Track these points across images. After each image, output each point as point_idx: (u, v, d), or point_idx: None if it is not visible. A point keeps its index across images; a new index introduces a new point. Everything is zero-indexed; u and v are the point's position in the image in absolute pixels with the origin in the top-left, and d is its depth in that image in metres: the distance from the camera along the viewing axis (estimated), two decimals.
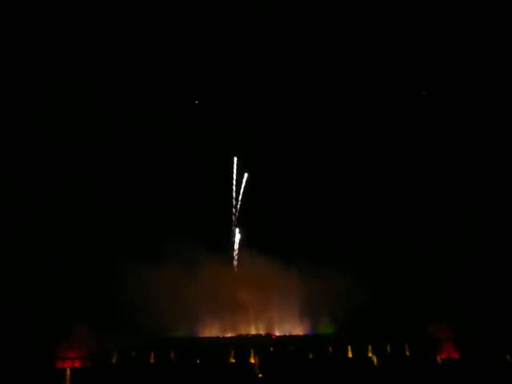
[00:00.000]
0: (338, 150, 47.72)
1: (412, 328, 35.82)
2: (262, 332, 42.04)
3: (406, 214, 45.46)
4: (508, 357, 30.30)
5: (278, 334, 42.16)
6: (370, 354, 33.11)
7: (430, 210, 44.97)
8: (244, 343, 36.41)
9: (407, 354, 34.13)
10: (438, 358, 32.82)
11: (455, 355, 33.76)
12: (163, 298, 40.10)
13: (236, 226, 49.26)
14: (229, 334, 41.66)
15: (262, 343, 36.68)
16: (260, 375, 28.99)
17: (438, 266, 40.69)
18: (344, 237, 44.68)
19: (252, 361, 31.76)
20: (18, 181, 40.35)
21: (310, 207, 46.81)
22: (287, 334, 41.89)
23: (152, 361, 32.84)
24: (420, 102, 46.77)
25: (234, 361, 32.55)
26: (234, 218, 49.50)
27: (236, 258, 46.67)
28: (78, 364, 31.76)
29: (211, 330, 41.56)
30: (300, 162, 47.86)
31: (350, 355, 33.73)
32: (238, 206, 49.94)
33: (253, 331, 42.13)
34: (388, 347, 34.31)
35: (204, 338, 40.66)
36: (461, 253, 40.93)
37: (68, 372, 28.04)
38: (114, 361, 33.79)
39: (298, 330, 42.30)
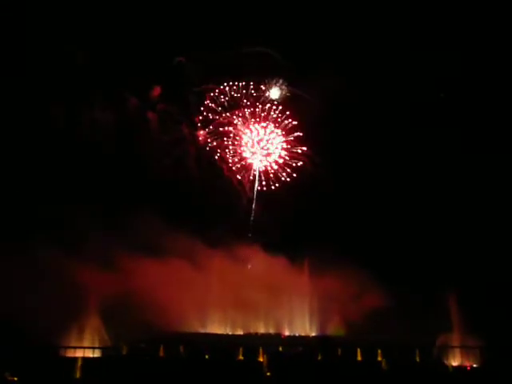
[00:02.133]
0: (348, 148, 47.46)
1: (424, 334, 35.26)
2: (272, 331, 42.01)
3: (423, 215, 44.90)
4: None
5: (287, 333, 42.06)
6: (379, 358, 32.75)
7: (448, 210, 44.34)
8: (253, 341, 36.38)
9: (417, 359, 33.67)
10: (450, 367, 32.41)
11: (467, 364, 33.16)
12: (174, 293, 40.36)
13: (251, 225, 49.26)
14: (238, 332, 41.75)
15: (271, 342, 36.58)
16: (268, 374, 29.05)
17: (453, 269, 40.03)
18: (358, 238, 44.36)
19: (260, 359, 31.79)
20: None
21: (323, 206, 46.55)
22: (296, 335, 41.75)
23: (161, 354, 33.16)
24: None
25: (242, 358, 32.63)
26: (250, 219, 49.61)
27: (248, 255, 46.52)
28: (88, 354, 32.29)
29: (221, 327, 41.71)
30: (313, 161, 47.82)
31: (359, 358, 33.41)
32: (253, 205, 50.08)
33: (262, 330, 42.11)
34: (398, 352, 33.86)
35: (213, 334, 40.80)
36: (479, 257, 40.36)
37: (79, 361, 28.58)
38: (124, 352, 34.28)
39: (307, 330, 42.14)
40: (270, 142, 49.87)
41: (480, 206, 43.66)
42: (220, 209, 47.00)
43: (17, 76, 42.20)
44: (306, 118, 49.10)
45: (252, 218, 49.25)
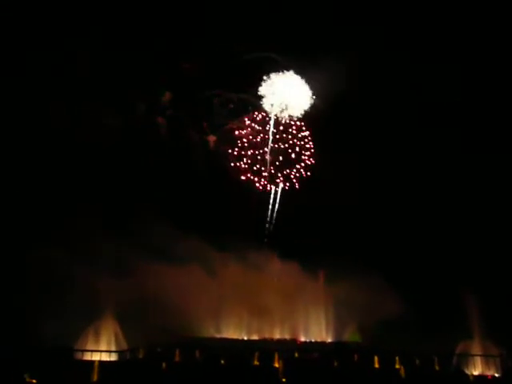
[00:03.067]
0: (362, 156, 47.29)
1: (443, 341, 34.55)
2: (287, 337, 41.80)
3: (440, 221, 44.34)
4: None
5: (302, 339, 41.78)
6: (397, 366, 32.18)
7: (467, 216, 43.66)
8: (268, 347, 36.23)
9: (436, 368, 32.98)
10: (470, 376, 31.64)
11: (488, 374, 32.33)
12: (189, 298, 40.50)
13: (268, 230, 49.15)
14: (253, 337, 41.65)
15: (287, 348, 36.35)
16: (283, 380, 28.79)
17: (473, 274, 39.29)
18: (374, 244, 43.98)
19: (276, 365, 31.57)
20: None
21: (339, 212, 46.28)
22: (312, 341, 41.46)
23: (177, 359, 33.22)
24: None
25: (257, 363, 32.47)
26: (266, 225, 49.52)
27: (262, 260, 46.43)
28: (105, 357, 32.53)
29: (236, 332, 41.68)
30: (329, 167, 47.58)
31: (377, 365, 32.88)
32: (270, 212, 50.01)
33: (277, 335, 41.93)
34: (417, 359, 33.22)
35: (229, 339, 40.78)
36: (500, 262, 39.55)
37: (96, 364, 28.78)
38: (140, 356, 34.46)
39: (323, 336, 41.82)
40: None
41: (499, 210, 42.90)
42: (233, 214, 47.12)
43: (23, 77, 43.07)
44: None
45: (268, 223, 49.16)
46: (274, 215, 49.25)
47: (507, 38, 42.88)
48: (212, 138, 49.17)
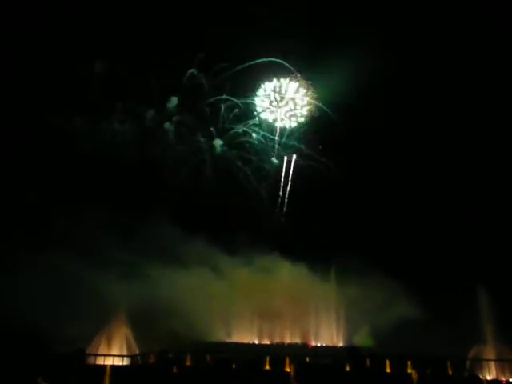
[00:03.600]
0: (374, 156, 47.07)
1: (456, 345, 34.13)
2: (298, 341, 41.61)
3: (453, 224, 43.99)
4: None
5: (313, 343, 41.56)
6: (409, 370, 31.83)
7: (480, 218, 43.26)
8: (280, 351, 36.11)
9: (449, 372, 32.54)
10: (484, 380, 31.17)
11: (503, 379, 31.81)
12: (199, 302, 40.59)
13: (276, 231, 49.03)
14: (265, 342, 41.53)
15: (298, 352, 36.19)
16: None
17: (487, 278, 38.80)
18: (385, 246, 43.70)
19: (287, 369, 31.43)
20: None
21: (354, 215, 46.21)
22: (323, 345, 41.20)
23: (188, 363, 33.24)
24: None
25: (269, 368, 32.35)
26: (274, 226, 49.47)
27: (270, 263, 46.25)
28: (117, 362, 32.72)
29: (247, 337, 41.60)
30: (340, 169, 47.57)
31: (388, 370, 32.57)
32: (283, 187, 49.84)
33: (288, 340, 41.77)
34: (429, 364, 32.80)
35: (240, 343, 40.71)
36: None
37: (108, 368, 28.95)
38: (151, 361, 34.56)
39: (334, 340, 41.55)
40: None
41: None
42: (239, 217, 47.24)
43: (35, 85, 43.96)
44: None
45: (277, 222, 48.99)
46: (287, 192, 49.30)
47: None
48: (218, 142, 49.64)
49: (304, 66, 49.27)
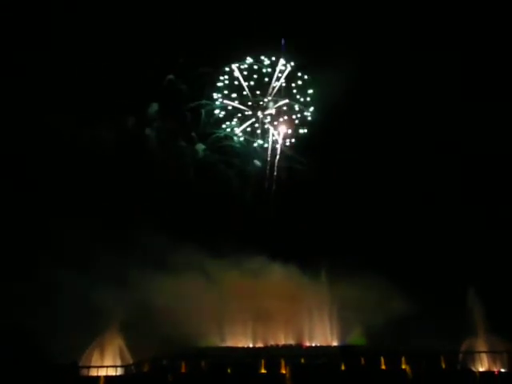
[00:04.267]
0: (362, 155, 47.46)
1: (448, 340, 34.54)
2: (293, 342, 41.60)
3: (442, 220, 44.43)
4: None
5: (308, 344, 41.62)
6: (403, 366, 32.13)
7: (469, 213, 43.81)
8: (274, 353, 36.04)
9: (443, 366, 32.94)
10: (477, 372, 31.64)
11: (495, 370, 32.34)
12: (191, 308, 40.34)
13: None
14: (259, 344, 41.43)
15: (293, 354, 36.18)
16: None
17: (477, 273, 39.34)
18: (376, 245, 43.98)
19: (283, 371, 31.44)
20: None
21: (343, 215, 46.38)
22: (318, 345, 41.27)
23: (183, 370, 33.02)
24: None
25: (265, 371, 32.29)
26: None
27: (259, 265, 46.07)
28: (111, 372, 32.34)
29: (241, 340, 41.45)
30: (330, 168, 47.73)
31: (383, 367, 32.82)
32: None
33: (283, 341, 41.73)
34: (423, 358, 33.15)
35: (234, 347, 40.56)
36: (502, 260, 39.63)
37: (102, 380, 28.63)
38: (145, 369, 34.24)
39: (329, 340, 41.63)
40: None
41: (501, 207, 43.04)
42: (225, 220, 47.14)
43: (21, 89, 43.53)
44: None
45: (264, 224, 48.73)
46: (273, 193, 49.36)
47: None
48: (201, 147, 49.68)
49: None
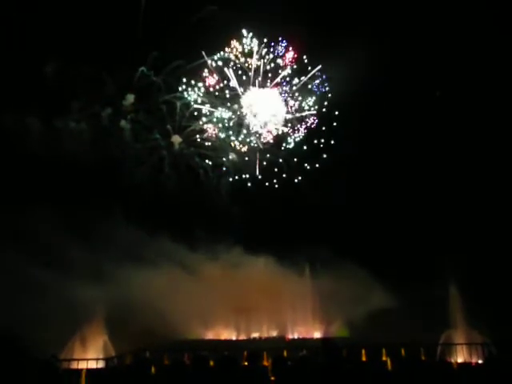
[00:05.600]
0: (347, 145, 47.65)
1: (428, 332, 35.26)
2: (275, 335, 41.94)
3: (421, 212, 45.03)
4: None
5: (290, 336, 42.00)
6: (384, 358, 32.70)
7: (448, 206, 44.46)
8: (257, 346, 36.33)
9: (422, 358, 33.63)
10: (454, 363, 32.37)
11: (472, 361, 33.15)
12: (171, 300, 40.29)
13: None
14: (241, 337, 41.66)
15: (275, 346, 36.50)
16: (272, 378, 28.89)
17: (455, 265, 40.02)
18: (359, 236, 44.40)
19: (265, 363, 31.67)
20: None
21: (323, 206, 46.63)
22: (300, 337, 41.68)
23: (166, 362, 33.02)
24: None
25: (246, 364, 32.50)
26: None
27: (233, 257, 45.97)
28: (92, 365, 32.14)
29: (224, 333, 41.62)
30: (314, 160, 47.82)
31: (364, 359, 33.34)
32: None
33: (265, 334, 42.04)
34: (402, 350, 33.83)
35: (217, 340, 40.72)
36: (481, 253, 40.37)
37: (84, 373, 28.42)
38: (128, 362, 34.13)
39: (311, 332, 42.09)
40: None
41: (481, 201, 43.80)
42: (200, 213, 46.94)
43: None
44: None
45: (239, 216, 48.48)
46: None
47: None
48: (177, 140, 49.28)
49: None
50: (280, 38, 49.19)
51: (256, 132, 49.67)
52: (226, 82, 49.34)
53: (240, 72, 49.44)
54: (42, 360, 30.36)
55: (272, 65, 49.57)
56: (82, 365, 31.52)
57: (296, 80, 49.92)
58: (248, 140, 49.81)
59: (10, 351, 30.46)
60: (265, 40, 49.12)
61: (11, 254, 37.15)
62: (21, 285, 36.55)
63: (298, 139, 49.95)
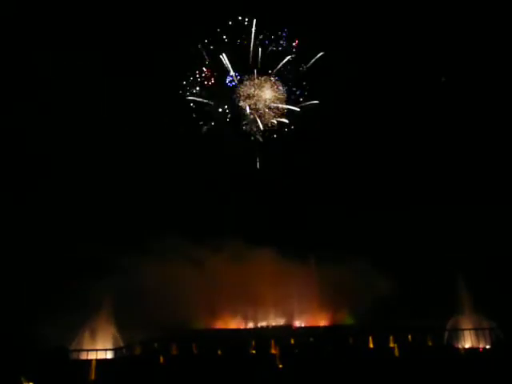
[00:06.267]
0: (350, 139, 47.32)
1: (435, 318, 35.28)
2: (282, 323, 42.17)
3: (424, 198, 44.72)
4: None
5: (297, 325, 42.22)
6: (391, 345, 32.79)
7: (452, 191, 44.16)
8: (264, 334, 36.56)
9: (429, 343, 33.71)
10: (462, 349, 32.44)
11: (479, 346, 33.18)
12: (183, 291, 40.52)
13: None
14: (249, 326, 41.93)
15: (283, 334, 36.71)
16: (280, 366, 29.12)
17: (461, 251, 39.90)
18: (364, 225, 44.29)
19: (273, 351, 31.91)
20: None
21: (328, 196, 46.48)
22: (307, 326, 41.88)
23: (174, 352, 33.33)
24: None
25: (254, 352, 32.75)
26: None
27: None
28: (102, 356, 32.51)
29: (231, 322, 41.90)
30: (313, 149, 47.60)
31: (371, 346, 33.47)
32: None
33: (273, 323, 42.27)
34: (409, 337, 33.91)
35: (225, 329, 41.00)
36: (486, 237, 40.15)
37: (93, 363, 28.74)
38: (137, 352, 34.51)
39: (317, 321, 42.26)
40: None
41: (484, 188, 43.45)
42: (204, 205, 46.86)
43: None
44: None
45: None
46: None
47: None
48: None
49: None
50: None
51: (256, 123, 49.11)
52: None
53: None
54: (51, 350, 30.88)
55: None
56: (92, 355, 31.88)
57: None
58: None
59: (20, 342, 30.94)
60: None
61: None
62: (34, 278, 36.97)
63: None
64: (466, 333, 33.95)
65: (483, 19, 43.04)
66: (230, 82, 48.83)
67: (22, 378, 26.75)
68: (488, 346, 32.89)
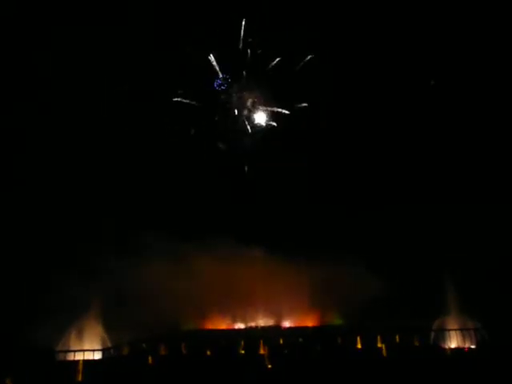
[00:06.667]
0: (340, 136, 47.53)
1: (421, 318, 35.76)
2: (271, 323, 42.27)
3: (411, 199, 45.00)
4: None
5: (286, 325, 42.37)
6: (379, 345, 33.16)
7: (438, 192, 44.54)
8: (253, 335, 36.63)
9: (416, 344, 34.17)
10: (448, 349, 32.95)
11: (465, 346, 33.76)
12: (171, 291, 40.34)
13: None
14: (238, 326, 41.93)
15: (272, 335, 36.84)
16: (269, 366, 29.23)
17: (447, 252, 40.37)
18: (352, 225, 44.50)
19: (262, 352, 32.01)
20: None
21: (318, 196, 46.58)
22: (296, 326, 42.06)
23: (163, 353, 33.21)
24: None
25: (243, 352, 32.82)
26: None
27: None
28: (89, 356, 32.23)
29: (220, 323, 41.85)
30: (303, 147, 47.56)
31: (359, 346, 33.79)
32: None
33: (262, 323, 42.34)
34: (397, 337, 34.33)
35: (213, 330, 40.94)
36: (473, 238, 40.66)
37: (80, 364, 28.48)
38: (125, 353, 34.30)
39: (306, 321, 42.46)
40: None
41: (474, 189, 43.88)
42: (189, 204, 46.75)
43: None
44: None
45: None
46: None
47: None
48: None
49: None
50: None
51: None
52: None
53: None
54: (37, 351, 30.54)
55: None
56: (79, 356, 31.61)
57: None
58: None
59: (8, 343, 30.52)
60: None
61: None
62: (20, 279, 36.44)
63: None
64: (452, 333, 34.52)
65: (473, 22, 43.48)
66: (219, 85, 48.63)
67: (8, 380, 26.38)
68: (473, 346, 33.49)
